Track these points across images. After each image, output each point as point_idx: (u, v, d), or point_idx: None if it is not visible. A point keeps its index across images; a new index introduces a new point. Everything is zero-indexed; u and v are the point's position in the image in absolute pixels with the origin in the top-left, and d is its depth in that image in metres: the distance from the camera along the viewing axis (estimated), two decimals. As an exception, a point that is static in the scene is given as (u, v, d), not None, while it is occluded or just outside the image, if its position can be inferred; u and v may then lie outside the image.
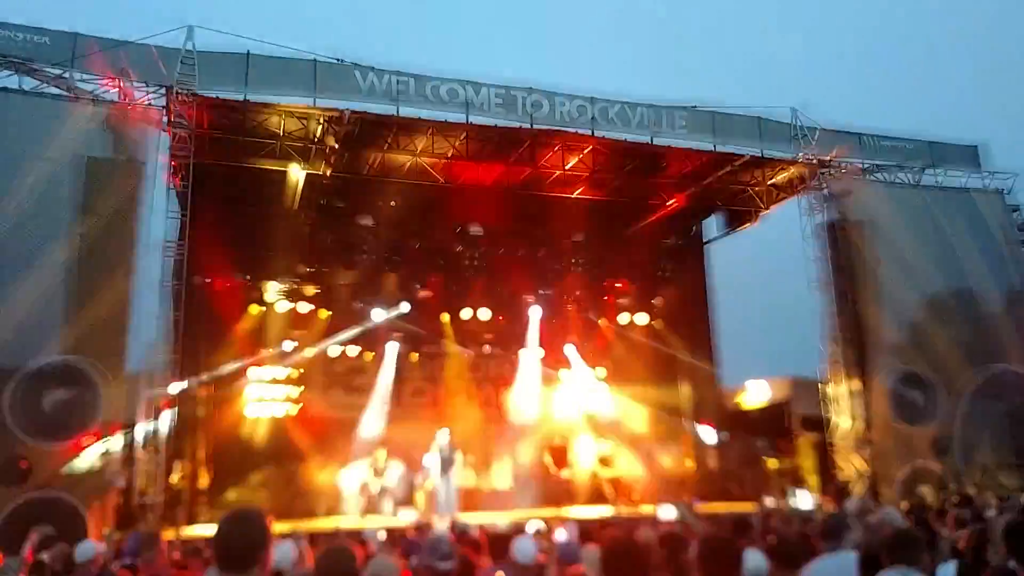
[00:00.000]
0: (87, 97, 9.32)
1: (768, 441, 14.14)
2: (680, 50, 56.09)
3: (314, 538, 7.09)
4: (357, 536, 6.64)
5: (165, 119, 9.70)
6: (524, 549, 3.39)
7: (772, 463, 14.12)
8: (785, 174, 13.28)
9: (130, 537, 5.51)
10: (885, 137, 13.53)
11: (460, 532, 6.11)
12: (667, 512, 5.90)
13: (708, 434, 15.12)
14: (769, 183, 13.69)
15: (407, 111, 10.63)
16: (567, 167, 12.53)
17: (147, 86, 9.54)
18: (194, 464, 12.11)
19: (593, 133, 11.51)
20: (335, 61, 10.40)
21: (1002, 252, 13.07)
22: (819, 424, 13.22)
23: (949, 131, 14.11)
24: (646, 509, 11.21)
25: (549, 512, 11.27)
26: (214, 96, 9.86)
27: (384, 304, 14.04)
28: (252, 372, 13.17)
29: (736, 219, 15.12)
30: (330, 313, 13.76)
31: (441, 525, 8.29)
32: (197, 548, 6.33)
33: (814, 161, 12.63)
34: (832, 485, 11.91)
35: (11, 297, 8.44)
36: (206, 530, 9.80)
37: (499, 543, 3.89)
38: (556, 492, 12.63)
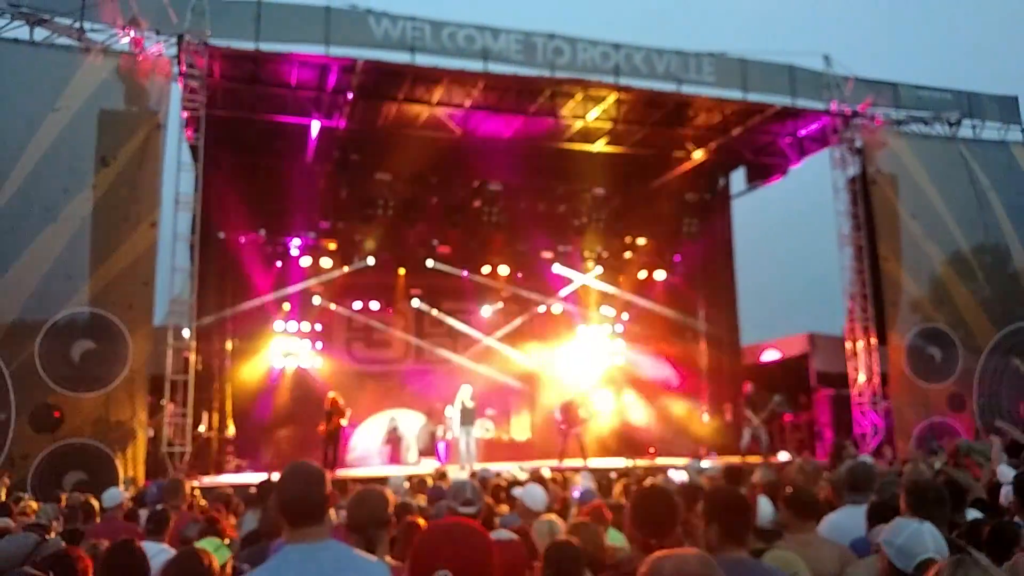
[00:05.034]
0: (98, 48, 9.17)
1: (786, 396, 14.09)
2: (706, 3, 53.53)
3: (339, 484, 7.31)
4: (382, 483, 6.80)
5: (177, 70, 9.54)
6: (534, 495, 3.42)
7: (789, 418, 14.11)
8: (815, 125, 12.73)
9: (151, 484, 5.65)
10: (921, 87, 12.89)
11: (479, 481, 6.23)
12: (678, 475, 5.93)
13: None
14: (799, 135, 13.19)
15: (423, 60, 10.30)
16: (589, 118, 12.17)
17: (158, 35, 9.35)
18: (221, 415, 12.48)
19: (618, 81, 11.08)
20: (349, 8, 10.10)
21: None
22: (837, 380, 13.11)
23: (983, 86, 13.41)
24: (662, 462, 11.33)
25: (566, 463, 11.46)
26: (225, 46, 9.65)
27: (404, 260, 14.05)
28: (276, 326, 13.38)
29: (763, 173, 14.64)
30: (349, 268, 13.83)
31: (461, 475, 8.49)
32: (225, 495, 6.53)
33: (846, 112, 12.10)
34: (836, 442, 11.86)
35: (36, 249, 8.56)
36: (233, 479, 10.15)
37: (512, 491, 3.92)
38: (574, 445, 12.79)
